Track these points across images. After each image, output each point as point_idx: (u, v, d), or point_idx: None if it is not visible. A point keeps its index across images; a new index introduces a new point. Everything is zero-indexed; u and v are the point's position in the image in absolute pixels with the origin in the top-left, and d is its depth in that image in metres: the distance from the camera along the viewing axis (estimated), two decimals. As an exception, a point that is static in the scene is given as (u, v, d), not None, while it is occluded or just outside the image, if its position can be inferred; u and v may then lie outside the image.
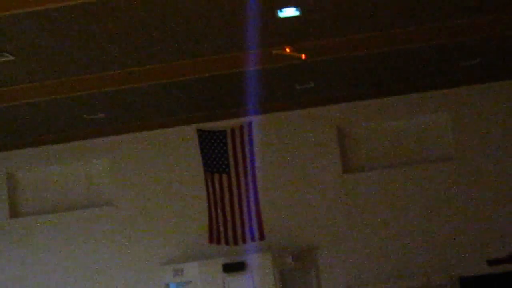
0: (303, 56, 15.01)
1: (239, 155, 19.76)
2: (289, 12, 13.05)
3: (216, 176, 19.67)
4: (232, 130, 19.85)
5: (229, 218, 19.42)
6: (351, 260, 20.01)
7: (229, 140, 19.81)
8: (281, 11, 12.99)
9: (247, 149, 19.77)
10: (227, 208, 19.42)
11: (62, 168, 21.48)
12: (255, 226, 19.39)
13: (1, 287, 20.80)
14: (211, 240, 19.55)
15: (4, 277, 20.86)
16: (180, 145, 20.72)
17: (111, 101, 17.87)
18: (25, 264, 20.92)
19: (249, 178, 19.62)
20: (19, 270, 20.88)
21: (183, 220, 20.48)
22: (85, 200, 21.29)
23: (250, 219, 19.46)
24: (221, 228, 19.44)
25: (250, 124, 19.68)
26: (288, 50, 14.76)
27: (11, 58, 13.64)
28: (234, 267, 19.69)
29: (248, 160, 19.74)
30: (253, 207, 19.52)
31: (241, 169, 19.64)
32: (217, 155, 19.80)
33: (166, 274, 20.16)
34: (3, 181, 21.33)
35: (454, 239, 19.84)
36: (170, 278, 20.09)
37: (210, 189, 19.72)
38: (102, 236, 20.78)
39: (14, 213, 21.35)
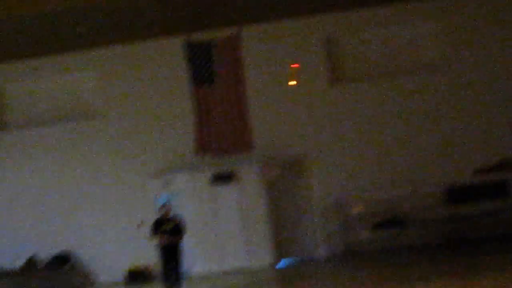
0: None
1: (227, 66, 19.52)
2: None
3: (203, 87, 19.48)
4: (220, 41, 19.53)
5: (216, 129, 19.33)
6: (339, 170, 20.17)
7: (216, 51, 19.54)
8: None
9: (234, 60, 19.50)
10: (215, 120, 19.32)
11: (50, 81, 21.33)
12: (243, 136, 19.32)
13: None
14: (198, 152, 19.47)
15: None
16: (168, 57, 20.53)
17: (97, 13, 17.61)
18: (14, 177, 20.99)
19: (237, 89, 19.43)
20: (8, 183, 20.96)
21: (171, 133, 20.52)
22: (74, 114, 21.22)
23: (238, 129, 19.38)
24: (209, 140, 19.37)
25: (238, 35, 19.37)
26: None
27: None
28: (222, 178, 19.84)
29: (235, 71, 19.51)
30: (241, 118, 19.40)
31: (228, 80, 19.43)
32: (204, 67, 19.55)
33: (155, 186, 20.29)
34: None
35: (442, 149, 19.97)
36: (159, 189, 20.22)
37: (197, 101, 19.54)
38: (91, 149, 20.83)
39: (3, 126, 21.28)
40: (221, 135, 19.30)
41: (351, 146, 20.16)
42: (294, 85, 17.59)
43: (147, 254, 19.00)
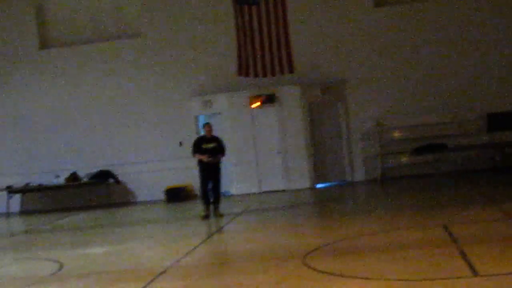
0: None
1: (270, -14, 19.28)
2: None
3: (246, 7, 19.28)
4: (264, -39, 19.25)
5: (258, 50, 19.20)
6: (380, 94, 20.04)
7: (259, -29, 19.27)
8: None
9: (277, -20, 19.24)
10: (257, 40, 19.18)
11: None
12: (284, 58, 19.19)
13: (33, 116, 21.21)
14: (240, 73, 19.42)
15: (36, 107, 21.22)
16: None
17: None
18: (55, 95, 21.21)
19: (280, 9, 19.19)
20: (51, 100, 21.21)
21: (212, 53, 20.48)
22: (114, 31, 21.23)
23: (280, 51, 19.24)
24: (250, 60, 19.25)
25: (283, -45, 19.04)
26: None
27: None
28: (263, 100, 19.86)
29: (278, -9, 19.26)
30: (283, 39, 19.23)
31: (271, 1, 19.23)
32: (247, -14, 19.34)
33: (196, 106, 20.39)
34: (33, 13, 21.25)
35: (484, 75, 19.69)
36: (199, 109, 20.33)
37: (239, 21, 19.38)
38: (131, 67, 20.90)
39: (44, 44, 21.40)
40: (263, 56, 19.19)
41: (393, 70, 19.95)
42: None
43: (187, 173, 19.25)
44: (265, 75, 19.28)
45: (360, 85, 20.06)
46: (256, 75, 19.33)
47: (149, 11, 20.84)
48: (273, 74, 19.27)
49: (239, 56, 19.34)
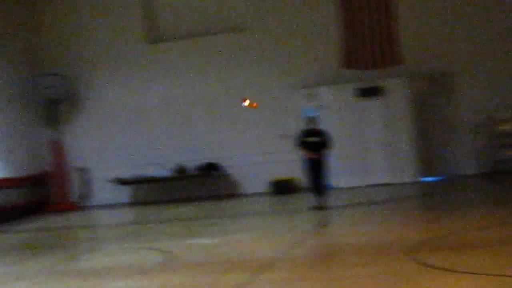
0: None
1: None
2: None
3: (351, -1, 19.12)
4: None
5: (364, 41, 19.00)
6: (490, 86, 19.48)
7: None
8: None
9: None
10: (362, 32, 18.97)
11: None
12: (391, 49, 18.91)
13: (141, 109, 21.69)
14: (346, 65, 19.26)
15: (145, 101, 21.70)
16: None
17: None
18: (164, 88, 21.62)
19: (385, 0, 18.96)
20: (159, 94, 21.64)
21: (316, 45, 20.41)
22: (220, 26, 21.44)
23: (387, 42, 18.97)
24: (356, 52, 19.09)
25: None
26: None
27: None
28: (368, 92, 19.68)
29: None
30: (389, 30, 18.94)
31: (377, -9, 18.99)
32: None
33: (300, 99, 20.38)
34: (140, 7, 21.75)
35: None
36: (304, 102, 20.30)
37: (344, 12, 19.22)
38: (236, 61, 21.05)
39: (151, 38, 21.85)
40: (368, 47, 19.00)
41: (503, 62, 19.34)
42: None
43: (291, 166, 19.27)
44: (371, 67, 19.08)
45: (470, 76, 19.54)
46: (362, 68, 19.16)
47: (254, 5, 20.92)
48: (380, 66, 19.05)
49: (344, 48, 19.23)
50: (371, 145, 19.80)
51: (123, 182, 21.22)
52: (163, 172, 21.01)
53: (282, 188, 20.05)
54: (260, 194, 20.34)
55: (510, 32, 19.33)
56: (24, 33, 21.94)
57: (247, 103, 15.38)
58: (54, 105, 21.60)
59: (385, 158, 19.71)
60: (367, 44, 18.98)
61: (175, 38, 21.69)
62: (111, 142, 21.92)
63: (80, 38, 22.14)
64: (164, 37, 21.84)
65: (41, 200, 21.29)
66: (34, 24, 22.27)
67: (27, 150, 21.30)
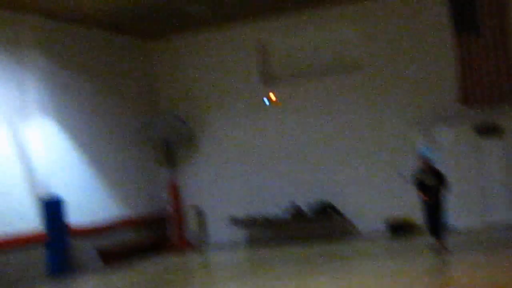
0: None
1: (492, 15, 18.71)
2: None
3: (466, 35, 18.83)
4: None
5: (482, 79, 18.61)
6: None
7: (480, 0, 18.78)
8: None
9: (500, 9, 18.63)
10: (480, 68, 18.59)
11: (312, 34, 21.70)
12: (510, 86, 18.46)
13: (258, 149, 21.91)
14: (463, 101, 18.91)
15: (260, 140, 21.93)
16: (428, 5, 20.05)
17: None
18: (277, 128, 21.83)
19: (503, 39, 18.57)
20: (274, 133, 21.81)
21: (432, 81, 20.09)
22: (335, 67, 21.46)
23: (505, 79, 18.53)
24: (474, 89, 18.71)
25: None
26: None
27: None
28: (487, 130, 19.14)
29: (501, 20, 18.64)
30: (507, 68, 18.55)
31: (494, 29, 18.64)
32: (467, 15, 18.90)
33: (416, 137, 20.04)
34: (255, 48, 22.12)
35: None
36: (421, 140, 19.95)
37: (461, 48, 18.95)
38: (352, 100, 21.00)
39: (267, 79, 22.08)
40: (487, 84, 18.65)
41: None
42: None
43: (408, 205, 18.93)
44: (490, 104, 18.70)
45: None
46: (480, 104, 18.81)
47: (368, 45, 20.84)
48: (498, 103, 18.65)
49: (462, 85, 18.95)
50: (490, 184, 19.22)
51: (238, 222, 21.39)
52: (278, 211, 21.06)
53: (400, 228, 19.68)
54: (375, 234, 20.03)
55: None
56: (142, 75, 22.76)
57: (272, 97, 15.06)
58: (171, 146, 22.12)
59: (505, 198, 19.07)
60: (486, 81, 18.63)
61: (288, 79, 21.87)
62: (226, 181, 22.25)
63: (196, 80, 22.72)
64: (278, 78, 22.05)
65: (158, 240, 21.74)
66: (151, 66, 23.07)
67: (145, 190, 21.91)
